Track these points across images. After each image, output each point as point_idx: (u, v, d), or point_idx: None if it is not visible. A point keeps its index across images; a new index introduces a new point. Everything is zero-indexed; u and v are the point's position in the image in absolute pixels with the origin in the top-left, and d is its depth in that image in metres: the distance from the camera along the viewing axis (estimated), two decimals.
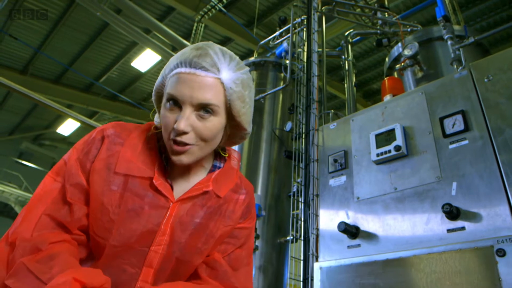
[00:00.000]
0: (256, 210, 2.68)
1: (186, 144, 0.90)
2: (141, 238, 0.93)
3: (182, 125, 0.87)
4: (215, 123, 0.92)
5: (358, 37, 4.60)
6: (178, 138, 0.89)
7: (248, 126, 1.04)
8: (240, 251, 1.12)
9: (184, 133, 0.88)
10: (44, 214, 0.90)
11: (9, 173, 13.52)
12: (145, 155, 0.98)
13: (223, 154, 1.11)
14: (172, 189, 0.99)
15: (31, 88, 7.15)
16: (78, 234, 0.94)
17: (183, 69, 0.90)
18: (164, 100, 0.93)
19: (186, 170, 1.03)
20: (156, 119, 1.05)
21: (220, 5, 6.85)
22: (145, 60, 9.13)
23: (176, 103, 0.90)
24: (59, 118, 12.10)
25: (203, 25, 7.42)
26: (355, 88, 3.84)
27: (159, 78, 0.98)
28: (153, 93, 1.02)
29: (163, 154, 1.02)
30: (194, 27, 7.29)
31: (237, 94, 0.94)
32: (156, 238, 0.94)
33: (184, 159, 0.92)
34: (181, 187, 1.02)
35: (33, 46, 8.86)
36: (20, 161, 14.27)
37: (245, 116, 1.00)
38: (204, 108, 0.89)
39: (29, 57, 9.58)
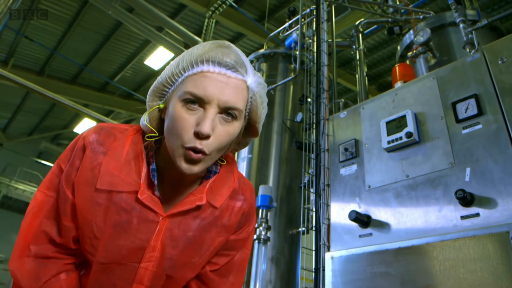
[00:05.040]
0: (267, 203, 2.67)
1: (205, 153, 0.81)
2: (129, 254, 0.89)
3: (207, 127, 0.78)
4: (236, 128, 0.86)
5: (371, 28, 4.52)
6: (198, 146, 0.79)
7: (259, 132, 0.98)
8: (233, 259, 1.06)
9: (207, 137, 0.80)
10: (38, 230, 0.89)
11: (29, 172, 13.82)
12: (130, 166, 0.89)
13: (219, 161, 1.00)
14: (161, 201, 0.91)
15: (48, 89, 7.28)
16: (73, 249, 0.92)
17: (210, 68, 0.82)
18: (177, 99, 0.83)
19: (178, 178, 0.94)
20: (143, 121, 0.92)
21: (230, 0, 6.83)
22: (158, 58, 9.19)
23: (197, 103, 0.82)
24: (76, 118, 12.31)
25: (214, 21, 7.42)
26: (366, 78, 3.78)
27: (165, 75, 0.88)
28: (151, 91, 0.91)
29: (151, 164, 0.92)
30: (205, 23, 7.29)
31: (260, 98, 0.91)
32: (145, 255, 0.89)
33: (196, 168, 0.82)
34: (172, 198, 0.94)
35: (49, 47, 9.02)
36: (39, 160, 14.58)
37: (262, 121, 0.96)
38: (228, 113, 0.83)
39: (46, 58, 9.75)
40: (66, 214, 0.89)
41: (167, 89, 0.88)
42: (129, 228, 0.87)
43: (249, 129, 0.96)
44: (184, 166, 0.81)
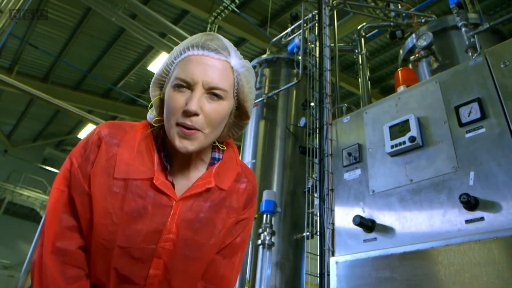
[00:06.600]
0: (271, 208, 2.67)
1: (194, 128, 0.89)
2: (147, 237, 0.93)
3: (194, 106, 0.87)
4: (224, 107, 0.93)
5: (373, 32, 4.53)
6: (188, 122, 0.88)
7: (250, 114, 1.05)
8: (236, 240, 1.11)
9: (195, 114, 0.88)
10: (58, 225, 0.93)
11: (34, 178, 13.88)
12: (143, 155, 0.96)
13: (221, 147, 1.08)
14: (174, 186, 0.97)
15: (52, 95, 7.31)
16: None
17: (195, 51, 0.92)
18: (170, 85, 0.93)
19: (186, 165, 1.01)
20: (150, 115, 1.03)
21: (233, 6, 6.87)
22: (161, 63, 9.20)
23: (185, 86, 0.90)
24: (80, 124, 12.37)
25: (216, 26, 7.46)
26: (369, 82, 3.79)
27: (162, 67, 0.98)
28: (152, 83, 1.00)
29: (162, 152, 1.00)
30: (208, 29, 7.33)
31: (245, 78, 0.98)
32: (162, 236, 0.94)
33: (190, 146, 0.90)
34: (182, 184, 1.00)
35: (53, 54, 9.08)
36: (44, 166, 14.65)
37: (251, 102, 1.02)
38: (213, 92, 0.91)
39: (49, 65, 9.82)
40: (84, 207, 0.94)
41: (164, 79, 0.98)
42: (145, 213, 0.92)
43: (240, 111, 1.02)
44: (178, 144, 0.90)
